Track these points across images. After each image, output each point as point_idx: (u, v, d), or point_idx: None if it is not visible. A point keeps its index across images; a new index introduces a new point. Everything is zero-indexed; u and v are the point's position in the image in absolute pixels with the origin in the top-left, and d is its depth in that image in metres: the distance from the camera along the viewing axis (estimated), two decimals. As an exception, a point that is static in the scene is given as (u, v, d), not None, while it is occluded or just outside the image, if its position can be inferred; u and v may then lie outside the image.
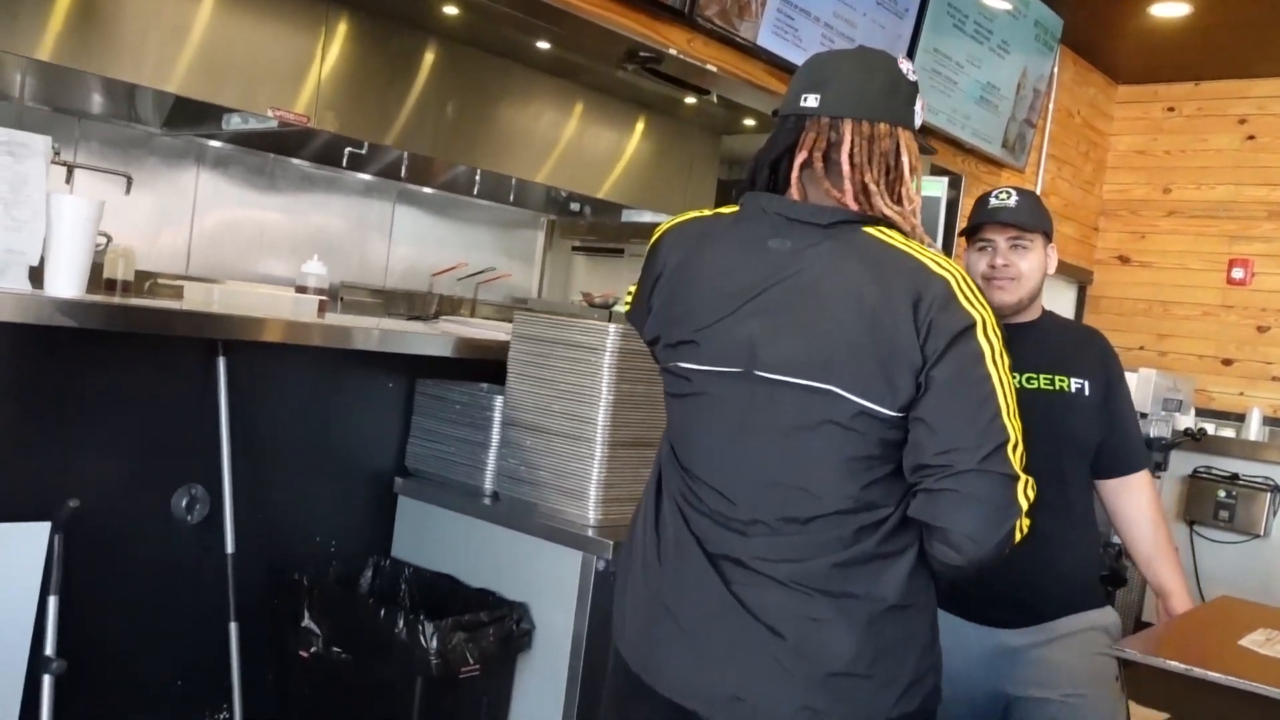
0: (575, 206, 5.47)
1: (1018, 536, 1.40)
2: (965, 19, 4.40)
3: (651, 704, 1.54)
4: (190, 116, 3.92)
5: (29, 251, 1.91)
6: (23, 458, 2.04)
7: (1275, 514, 4.66)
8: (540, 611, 2.31)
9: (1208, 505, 4.73)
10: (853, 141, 1.48)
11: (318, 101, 3.94)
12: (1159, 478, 4.63)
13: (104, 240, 3.23)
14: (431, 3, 3.95)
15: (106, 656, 2.16)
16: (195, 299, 2.63)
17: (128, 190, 3.89)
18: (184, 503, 2.26)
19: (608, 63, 3.98)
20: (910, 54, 4.11)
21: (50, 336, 1.98)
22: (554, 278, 5.78)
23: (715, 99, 4.31)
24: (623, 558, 1.66)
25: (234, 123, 3.91)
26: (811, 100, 1.51)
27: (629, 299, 1.71)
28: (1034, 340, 2.24)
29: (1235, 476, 4.70)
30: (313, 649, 2.25)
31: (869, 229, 1.46)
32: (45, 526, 1.97)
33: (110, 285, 2.89)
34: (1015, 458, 1.39)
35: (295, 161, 4.47)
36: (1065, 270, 5.59)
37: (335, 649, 2.23)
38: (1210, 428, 4.88)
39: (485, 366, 2.60)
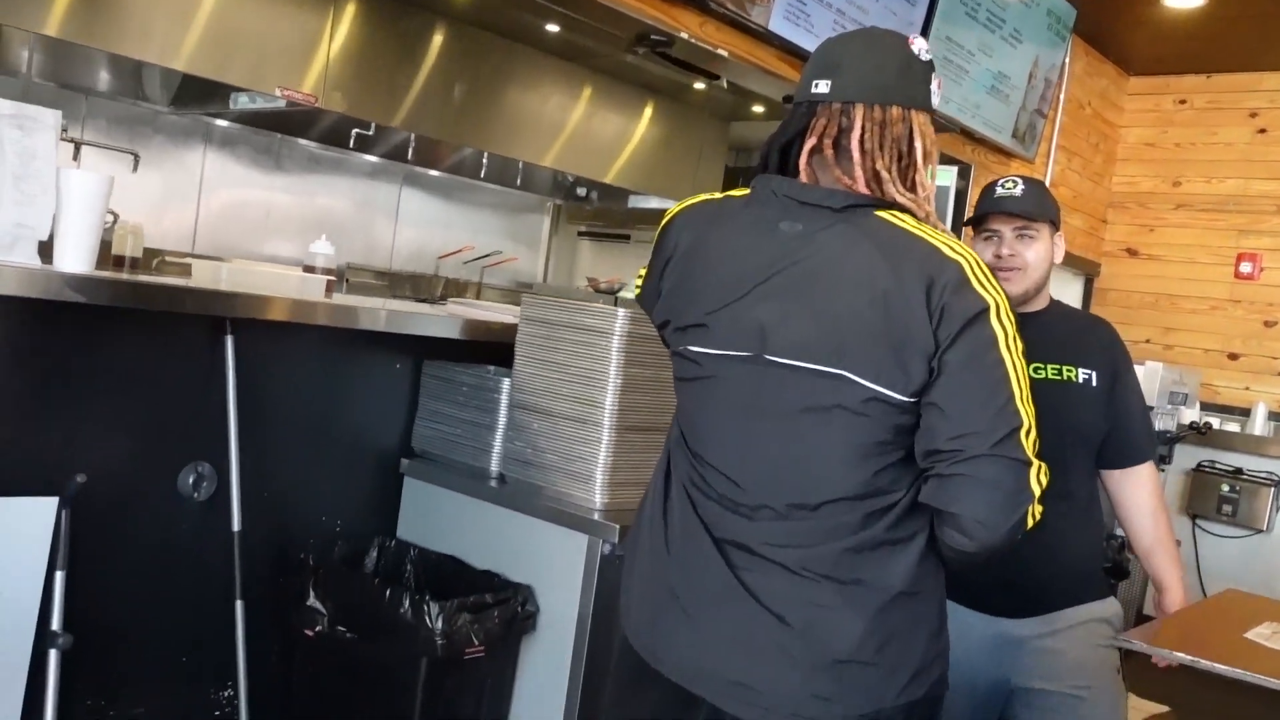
0: (582, 191, 5.46)
1: (1030, 522, 1.39)
2: (978, 7, 4.38)
3: (658, 688, 1.54)
4: (198, 95, 3.91)
5: (38, 226, 1.90)
6: (31, 433, 2.03)
7: (1278, 509, 4.66)
8: (545, 594, 2.31)
9: (1211, 499, 4.73)
10: (863, 127, 1.47)
11: (325, 82, 3.93)
12: (1163, 471, 4.63)
13: (111, 218, 3.23)
14: (441, -16, 3.93)
15: (112, 632, 2.16)
16: (203, 277, 2.63)
17: (135, 168, 3.87)
18: (191, 480, 2.26)
19: (618, 46, 3.97)
20: (922, 42, 4.09)
21: (59, 312, 1.97)
22: (559, 262, 5.77)
23: (725, 84, 4.30)
24: (630, 542, 1.66)
25: (241, 102, 3.90)
26: (822, 86, 1.49)
27: (640, 283, 1.70)
28: (1041, 330, 2.22)
29: (1239, 471, 4.70)
30: (318, 628, 2.25)
31: (881, 213, 1.45)
32: (53, 502, 1.97)
33: (119, 261, 2.88)
34: (1029, 443, 1.39)
35: (302, 142, 4.46)
36: (1072, 262, 5.58)
37: (340, 628, 2.23)
38: (1215, 422, 4.87)
39: (492, 349, 2.60)
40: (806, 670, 1.44)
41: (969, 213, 4.93)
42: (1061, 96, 5.26)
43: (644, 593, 1.58)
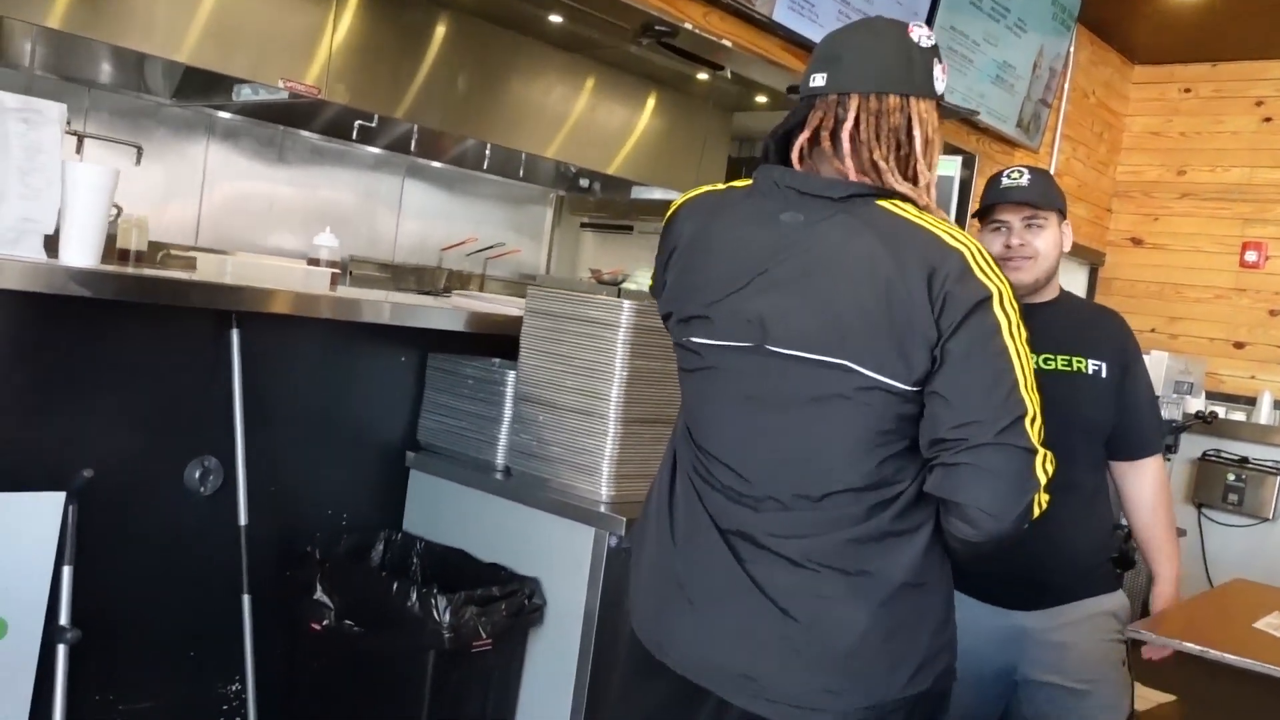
0: (584, 183, 5.44)
1: (1036, 511, 1.39)
2: (983, -4, 4.36)
3: (665, 681, 1.54)
4: (200, 87, 3.90)
5: (44, 220, 1.90)
6: (37, 427, 2.03)
7: (1284, 498, 4.65)
8: (552, 587, 2.31)
9: (1217, 488, 4.73)
10: (858, 118, 1.46)
11: (328, 73, 3.91)
12: (1169, 460, 4.62)
13: (115, 211, 3.22)
14: (444, -26, 3.92)
15: (120, 627, 2.16)
16: (208, 270, 2.62)
17: (138, 161, 3.86)
18: (197, 474, 2.26)
19: (622, 37, 3.95)
20: (926, 31, 4.07)
21: (65, 306, 1.97)
22: (562, 254, 5.76)
23: (729, 75, 4.28)
24: (636, 535, 1.66)
25: (244, 94, 3.88)
26: (819, 79, 1.49)
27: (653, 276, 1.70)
28: (1051, 320, 2.22)
29: (1245, 460, 4.69)
30: (325, 622, 2.25)
31: (882, 202, 1.44)
32: (60, 496, 1.97)
33: (124, 255, 2.88)
34: (1034, 431, 1.38)
35: (305, 134, 4.44)
36: (1077, 252, 5.57)
37: (347, 622, 2.23)
38: (1221, 411, 4.87)
39: (497, 341, 2.59)
40: (812, 663, 1.43)
41: (974, 203, 4.93)
42: (1066, 86, 5.24)
43: (650, 585, 1.58)
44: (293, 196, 4.51)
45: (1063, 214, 2.24)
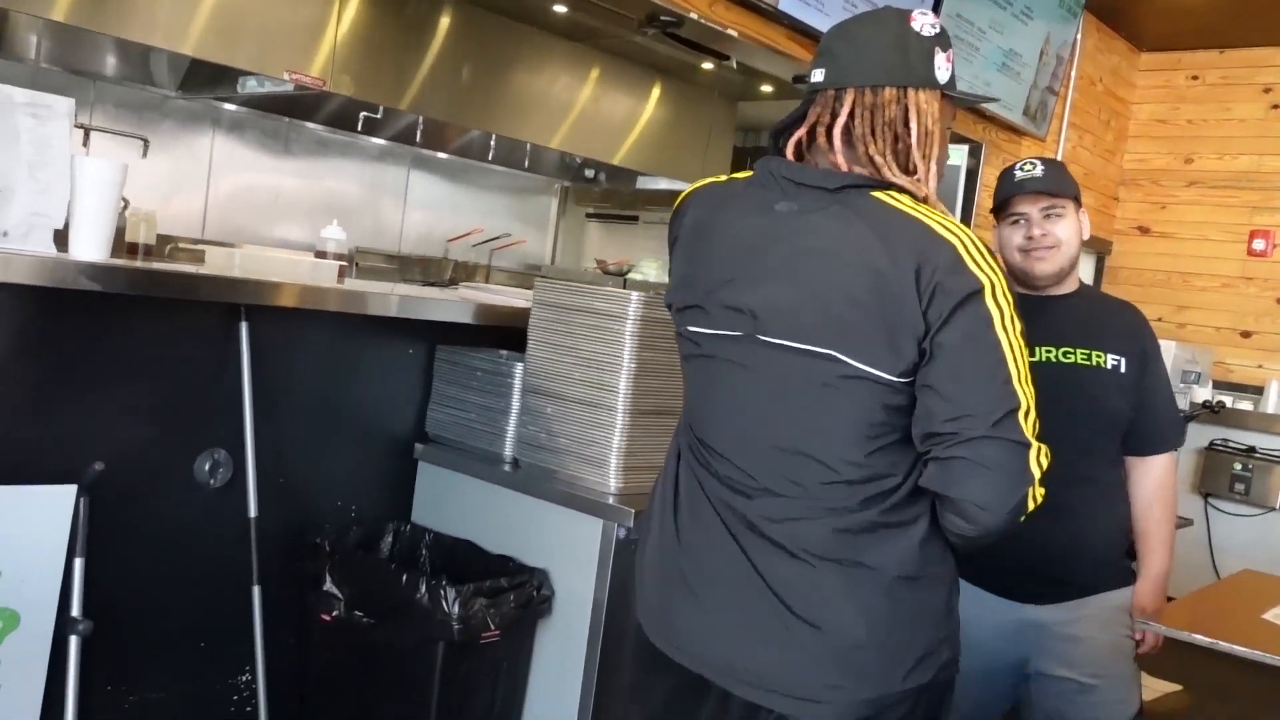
0: (590, 173, 5.44)
1: (1030, 505, 1.38)
2: (989, -16, 4.34)
3: (670, 672, 1.54)
4: (206, 79, 3.90)
5: (54, 214, 1.90)
6: (49, 421, 2.04)
7: (1291, 487, 4.65)
8: (560, 578, 2.32)
9: (1223, 478, 4.72)
10: (853, 112, 1.46)
11: (333, 65, 3.91)
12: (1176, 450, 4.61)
13: (123, 204, 3.22)
14: (449, -35, 3.91)
15: (131, 618, 2.17)
16: (217, 263, 2.63)
17: (144, 153, 3.87)
18: (207, 467, 2.27)
19: (627, 27, 3.94)
20: (932, 20, 4.05)
21: (75, 300, 1.98)
22: (567, 244, 5.76)
23: (734, 65, 4.27)
24: (642, 526, 1.67)
25: (249, 86, 3.89)
26: (818, 74, 1.49)
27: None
28: (1071, 314, 2.21)
29: (1252, 449, 4.69)
30: (334, 613, 2.26)
31: (877, 193, 1.43)
32: (71, 489, 1.98)
33: (132, 249, 2.88)
34: (1027, 424, 1.36)
35: (310, 126, 4.45)
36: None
37: (357, 613, 2.24)
38: (1228, 400, 4.86)
39: (505, 333, 2.60)
40: (811, 656, 1.44)
41: (980, 192, 4.92)
42: (1073, 73, 5.22)
43: (654, 576, 1.59)
44: (298, 188, 4.52)
45: (1079, 201, 2.23)
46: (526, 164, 5.07)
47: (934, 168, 1.47)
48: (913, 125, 1.45)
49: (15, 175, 1.87)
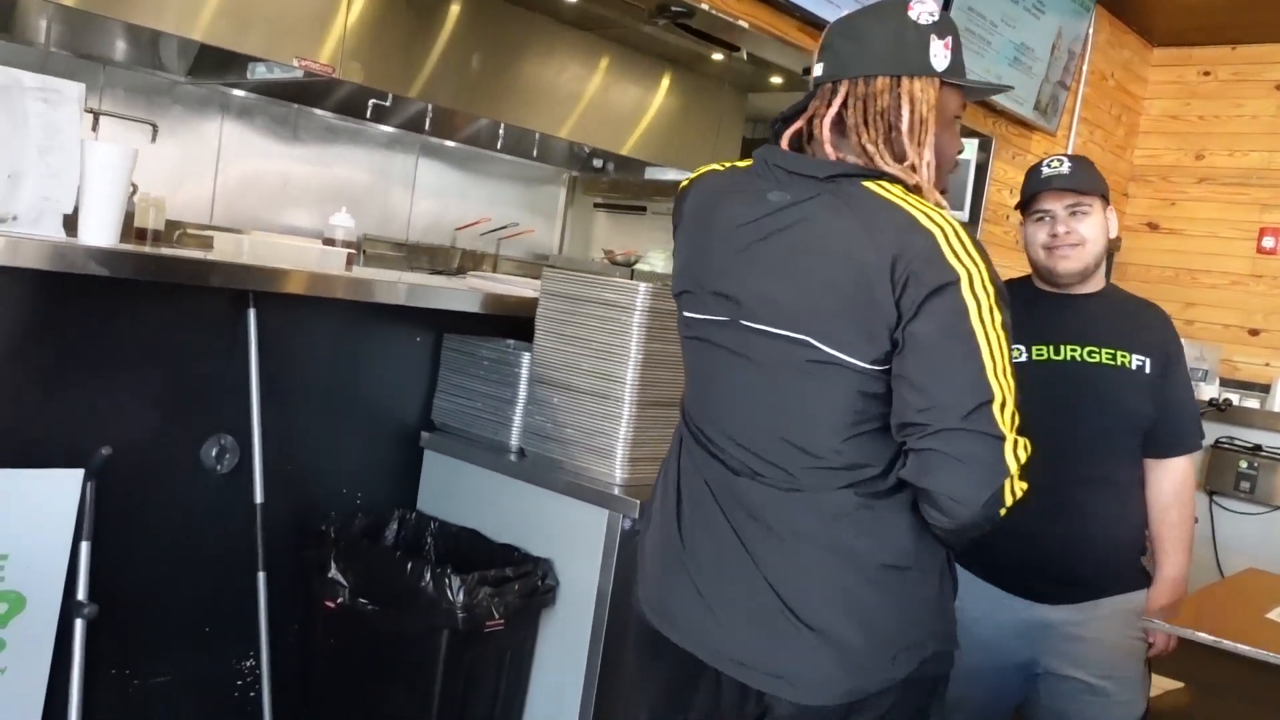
0: (598, 163, 5.43)
1: (1008, 499, 1.37)
2: (1001, -23, 4.32)
3: (667, 653, 1.57)
4: (215, 65, 3.90)
5: (63, 199, 1.91)
6: (56, 405, 2.05)
7: (1297, 486, 4.63)
8: (565, 568, 2.32)
9: (1229, 476, 4.71)
10: (845, 103, 1.47)
11: (343, 52, 3.91)
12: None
13: (132, 189, 3.22)
14: (459, -48, 3.90)
15: (137, 602, 2.18)
16: (225, 249, 2.63)
17: (153, 139, 3.87)
18: (214, 452, 2.27)
19: (637, 17, 3.93)
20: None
21: (84, 285, 1.98)
22: (575, 234, 5.75)
23: (745, 56, 4.26)
24: (645, 511, 1.70)
25: (259, 72, 3.88)
26: (818, 68, 1.51)
27: None
28: (1096, 313, 2.21)
29: (1258, 448, 4.68)
30: (339, 600, 2.27)
31: (868, 183, 1.44)
32: (78, 474, 1.99)
33: (141, 234, 2.89)
34: (1003, 417, 1.36)
35: (319, 113, 4.44)
36: (1092, 236, 5.52)
37: (361, 600, 2.25)
38: (1234, 398, 4.84)
39: (512, 322, 2.60)
40: (796, 640, 1.45)
41: (990, 186, 4.91)
42: (1084, 68, 5.19)
43: (655, 557, 1.62)
44: (306, 175, 4.52)
45: (1106, 199, 2.21)
46: (535, 153, 5.06)
47: (928, 155, 1.47)
48: (905, 113, 1.46)
49: (25, 160, 1.87)
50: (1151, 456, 2.22)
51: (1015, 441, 1.36)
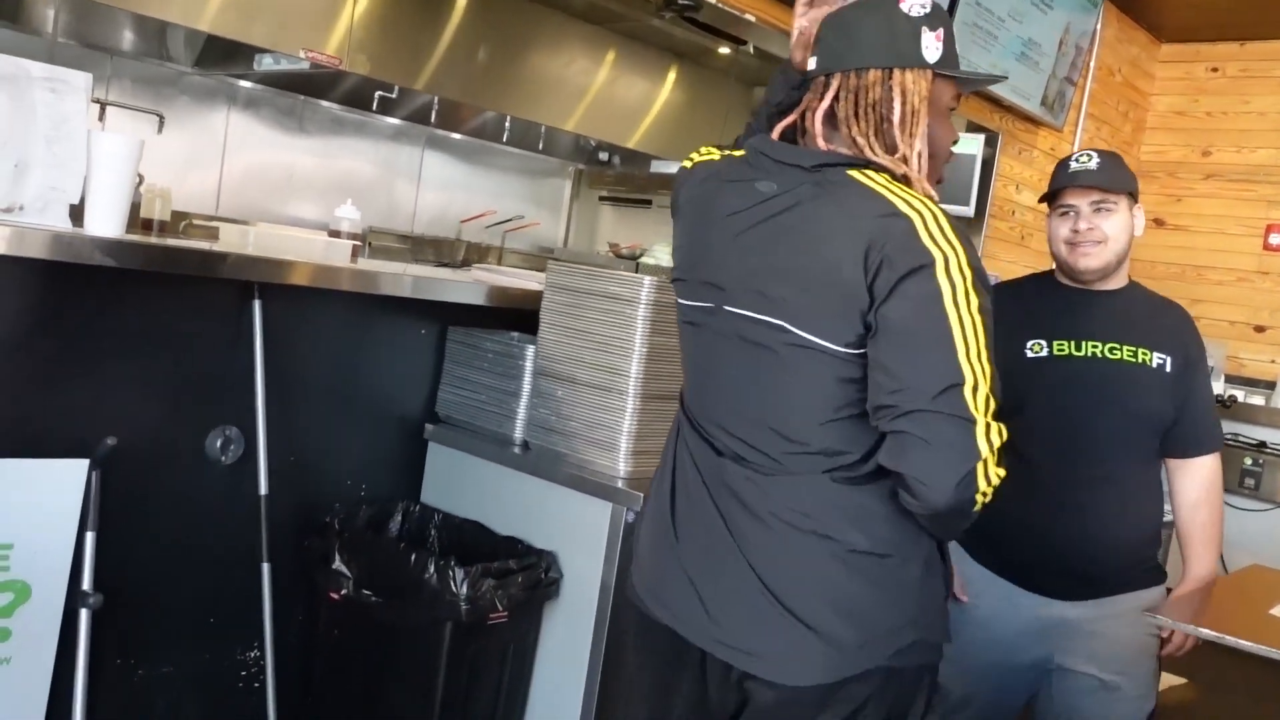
0: (604, 156, 5.43)
1: (982, 484, 1.36)
2: (1009, -28, 4.31)
3: (659, 636, 1.59)
4: (222, 56, 3.90)
5: (70, 189, 1.91)
6: (62, 395, 2.05)
7: (1302, 483, 4.63)
8: (568, 561, 2.32)
9: (1234, 473, 4.70)
10: (838, 96, 1.48)
11: (349, 44, 3.91)
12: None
13: (138, 180, 3.23)
14: (466, -55, 3.89)
15: (142, 593, 2.19)
16: (230, 241, 2.63)
17: (160, 129, 3.88)
18: (218, 444, 2.28)
19: (644, 10, 3.93)
20: (951, 8, 4.03)
21: (90, 275, 1.98)
22: (581, 227, 5.75)
23: (751, 49, 4.25)
24: (648, 492, 1.72)
25: (265, 63, 3.88)
26: (812, 62, 1.52)
27: None
28: (1119, 310, 2.20)
29: (1263, 444, 4.67)
30: (343, 591, 2.27)
31: (853, 172, 1.45)
32: (83, 464, 1.99)
33: (147, 225, 2.90)
34: (974, 400, 1.35)
35: (325, 104, 4.45)
36: (1098, 232, 5.50)
37: (365, 592, 2.25)
38: (1240, 395, 4.84)
39: (517, 315, 2.60)
40: (774, 622, 1.47)
41: (996, 182, 4.89)
42: (1092, 64, 5.18)
43: (649, 538, 1.65)
44: (312, 167, 4.52)
45: (1134, 197, 2.20)
46: (541, 146, 5.06)
47: (919, 146, 1.48)
48: (896, 105, 1.47)
49: (32, 149, 1.87)
50: (1174, 457, 2.21)
51: (988, 425, 1.36)
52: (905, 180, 1.46)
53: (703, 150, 1.70)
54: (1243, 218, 5.49)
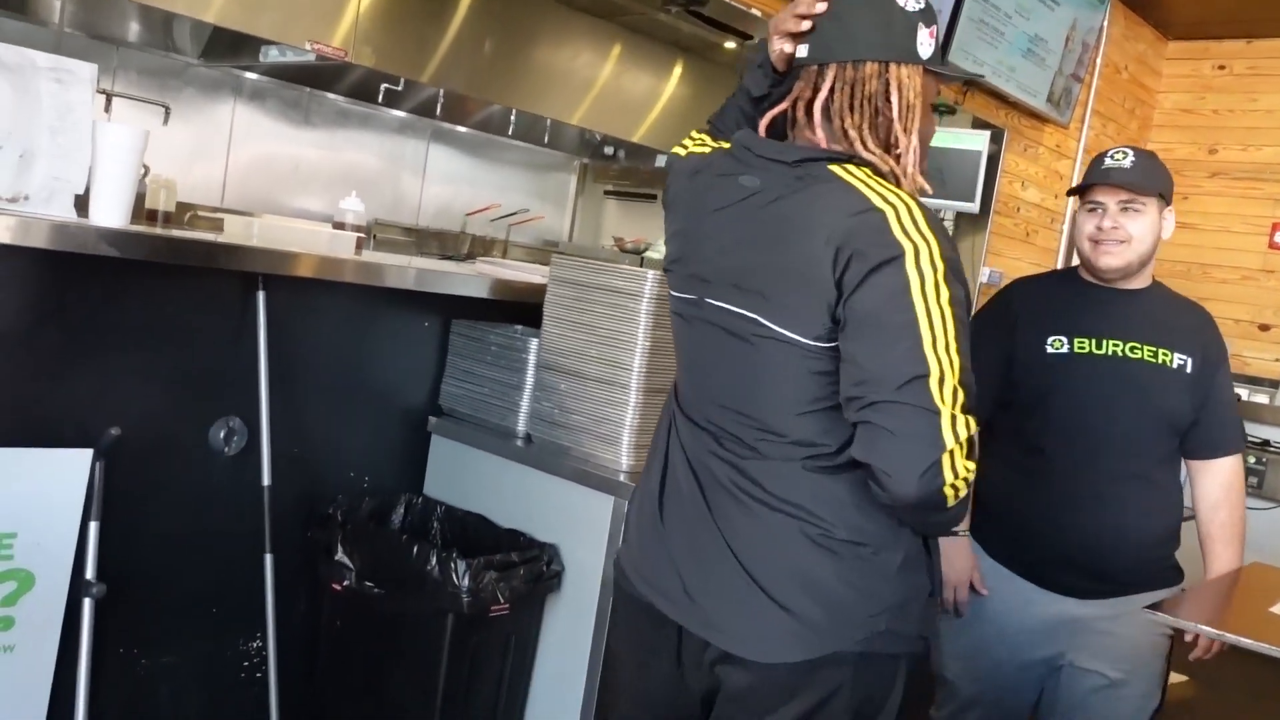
0: (609, 150, 5.43)
1: (949, 476, 1.35)
2: (1016, -32, 4.30)
3: (638, 605, 1.62)
4: (228, 47, 3.90)
5: (75, 179, 1.91)
6: (66, 385, 2.06)
7: (1305, 482, 4.62)
8: (570, 554, 2.33)
9: (1237, 471, 4.69)
10: (834, 87, 1.48)
11: (355, 36, 3.90)
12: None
13: (143, 171, 3.23)
14: (472, -63, 3.89)
15: (145, 583, 2.20)
16: (235, 232, 2.64)
17: (165, 121, 3.88)
18: (222, 434, 2.28)
19: (650, 4, 3.92)
20: (958, 4, 4.03)
21: (94, 265, 1.99)
22: (585, 221, 5.75)
23: (757, 43, 4.24)
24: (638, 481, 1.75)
25: (271, 55, 3.88)
26: (802, 50, 1.51)
27: None
28: (1141, 310, 2.20)
29: (1267, 443, 4.66)
30: (345, 582, 2.28)
31: (834, 167, 1.45)
32: (87, 454, 2.00)
33: (152, 216, 2.90)
34: (940, 391, 1.35)
35: (331, 96, 4.45)
36: (1103, 229, 5.49)
37: (368, 583, 2.26)
38: (1244, 393, 4.83)
39: (520, 308, 2.60)
40: (749, 602, 1.48)
41: (1001, 179, 4.89)
42: (1098, 61, 5.17)
43: (636, 515, 1.68)
44: (318, 159, 4.52)
45: (1166, 199, 2.18)
46: (546, 140, 5.06)
47: (915, 141, 1.49)
48: (894, 99, 1.47)
49: (37, 140, 1.88)
50: (1195, 458, 2.21)
51: (954, 417, 1.35)
52: (891, 175, 1.47)
53: (695, 136, 1.71)
54: (1248, 216, 5.49)
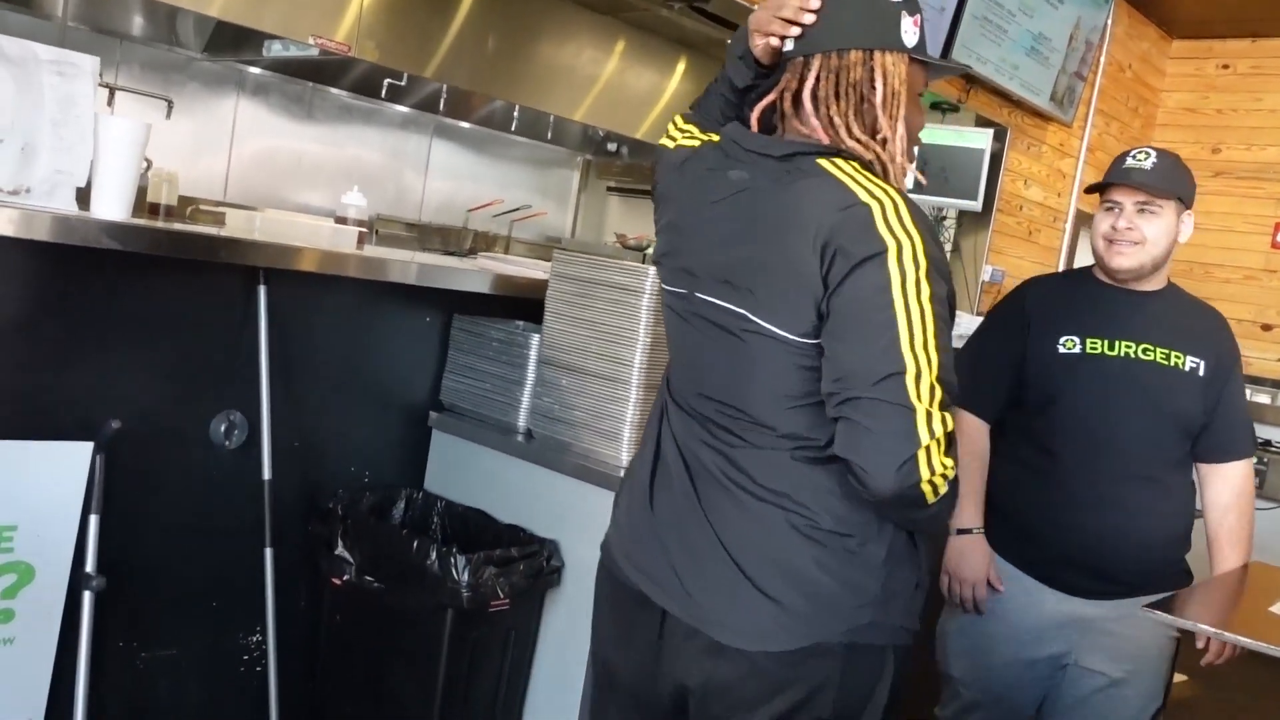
0: (612, 146, 5.43)
1: (925, 472, 1.36)
2: (1020, -34, 4.29)
3: (625, 589, 1.63)
4: (231, 41, 3.90)
5: (76, 172, 1.91)
6: (67, 378, 2.06)
7: (1307, 483, 4.61)
8: (570, 549, 2.33)
9: (1238, 471, 4.69)
10: (819, 76, 1.48)
11: (359, 31, 3.91)
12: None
13: (145, 164, 3.23)
14: (476, -67, 3.89)
15: (145, 576, 2.20)
16: (237, 226, 2.64)
17: (168, 114, 3.88)
18: (223, 428, 2.28)
19: (654, 0, 3.92)
20: (961, 2, 4.02)
21: (95, 258, 1.99)
22: (588, 218, 5.76)
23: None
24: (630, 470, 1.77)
25: (275, 49, 3.89)
26: (789, 43, 1.52)
27: None
28: (1155, 312, 2.19)
29: (1268, 443, 4.65)
30: (346, 577, 2.28)
31: (822, 160, 1.46)
32: (88, 446, 2.00)
33: (154, 209, 2.90)
34: (917, 388, 1.35)
35: (334, 91, 4.45)
36: (1106, 229, 5.49)
37: (368, 578, 2.26)
38: (1246, 393, 4.82)
39: (522, 304, 2.60)
40: (735, 590, 1.49)
41: (1004, 177, 4.88)
42: (1102, 59, 5.16)
43: (627, 500, 1.68)
44: (321, 154, 4.53)
45: (1185, 203, 2.17)
46: (549, 136, 5.06)
47: (901, 128, 1.50)
48: (878, 86, 1.47)
49: (39, 132, 1.88)
50: (1205, 462, 2.20)
51: (930, 414, 1.35)
52: (878, 164, 1.47)
53: (683, 127, 1.71)
54: (1251, 215, 5.48)
